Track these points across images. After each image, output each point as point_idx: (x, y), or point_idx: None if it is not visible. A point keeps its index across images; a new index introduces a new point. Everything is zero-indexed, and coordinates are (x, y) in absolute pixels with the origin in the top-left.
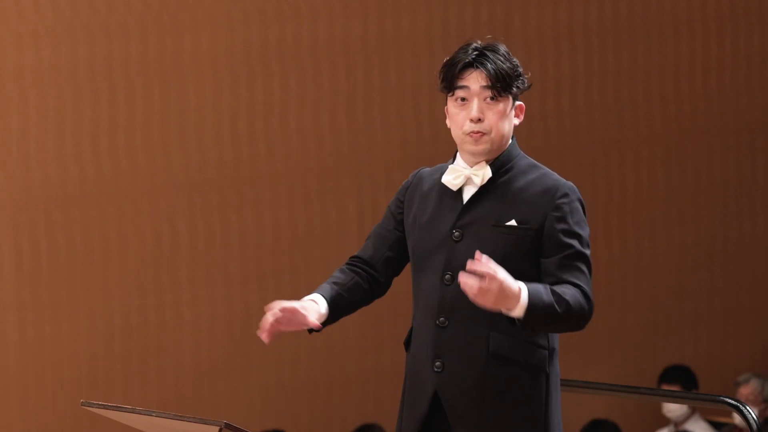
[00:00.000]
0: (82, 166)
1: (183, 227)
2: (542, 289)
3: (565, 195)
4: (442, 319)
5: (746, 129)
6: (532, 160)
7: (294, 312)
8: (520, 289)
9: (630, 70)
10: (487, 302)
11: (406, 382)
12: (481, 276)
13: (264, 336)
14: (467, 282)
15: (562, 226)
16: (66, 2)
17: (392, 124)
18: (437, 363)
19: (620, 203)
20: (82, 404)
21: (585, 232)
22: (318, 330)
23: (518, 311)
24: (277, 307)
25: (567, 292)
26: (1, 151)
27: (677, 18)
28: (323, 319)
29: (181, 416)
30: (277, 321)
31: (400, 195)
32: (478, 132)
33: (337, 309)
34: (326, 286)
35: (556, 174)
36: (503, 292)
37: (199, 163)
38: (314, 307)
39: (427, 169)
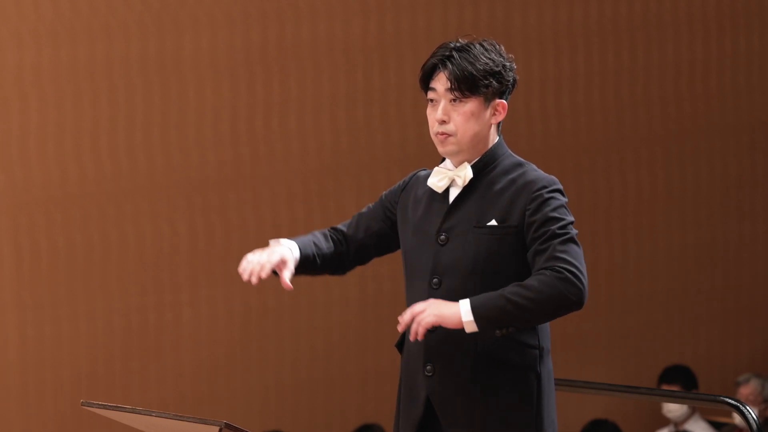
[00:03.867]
0: (82, 166)
1: (183, 227)
2: (491, 293)
3: (542, 188)
4: None
5: (746, 129)
6: (518, 158)
7: (284, 263)
8: (459, 302)
9: (630, 70)
10: (430, 319)
11: (401, 386)
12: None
13: (247, 274)
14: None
15: (536, 216)
16: (66, 2)
17: (392, 124)
18: (428, 367)
19: (620, 204)
20: (82, 404)
21: (563, 214)
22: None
23: (465, 315)
24: (276, 259)
25: (536, 278)
26: (1, 151)
27: (677, 18)
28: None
29: (181, 416)
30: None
31: (395, 194)
32: (443, 134)
33: (304, 268)
34: (307, 243)
35: (539, 170)
36: (432, 303)
37: (199, 163)
38: (290, 256)
39: (424, 171)
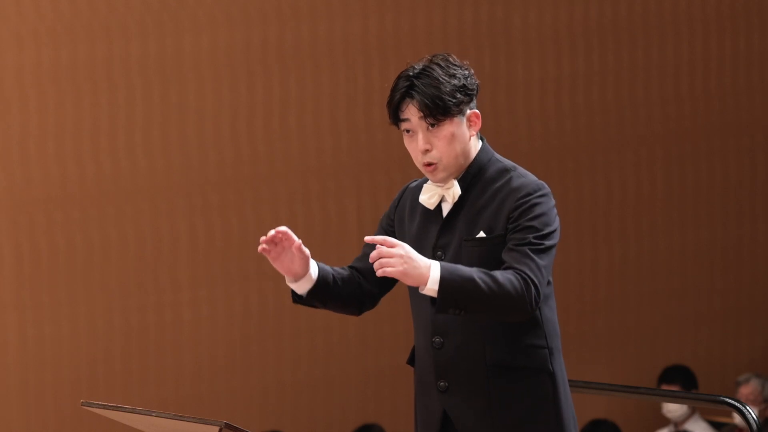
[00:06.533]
0: (82, 166)
1: (183, 227)
2: (463, 267)
3: (527, 194)
4: (437, 339)
5: (746, 129)
6: (504, 163)
7: (288, 238)
8: (431, 262)
9: (630, 70)
10: (395, 269)
11: (416, 401)
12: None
13: (261, 245)
14: (372, 255)
15: (518, 222)
16: (66, 2)
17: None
18: (441, 383)
19: (620, 204)
20: (82, 404)
21: (543, 223)
22: (300, 300)
23: (432, 284)
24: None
25: (501, 273)
26: (1, 151)
27: (677, 18)
28: (309, 285)
29: (181, 416)
30: (273, 241)
31: (390, 213)
32: (430, 164)
33: (325, 287)
34: (324, 265)
35: (527, 176)
36: (408, 256)
37: (199, 163)
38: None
39: (414, 183)
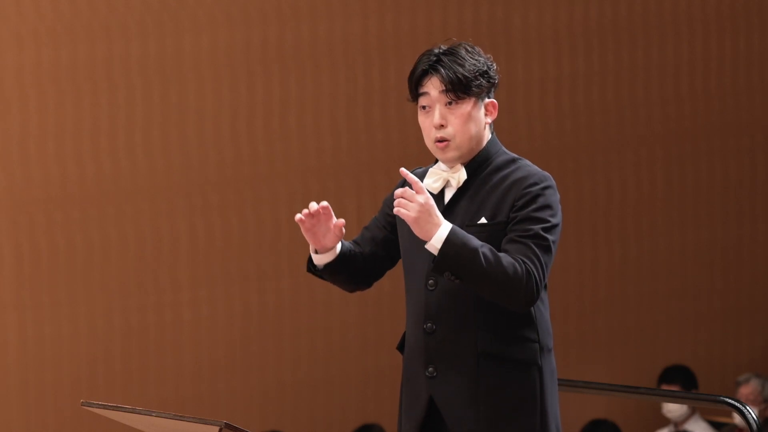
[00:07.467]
0: (82, 166)
1: (183, 227)
2: (473, 238)
3: (533, 184)
4: (429, 324)
5: (746, 129)
6: (512, 155)
7: (328, 213)
8: (445, 222)
9: (630, 70)
10: (408, 213)
11: (403, 387)
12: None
13: (300, 215)
14: (396, 192)
15: (522, 212)
16: (66, 2)
17: (392, 124)
18: (429, 368)
19: (620, 204)
20: (82, 404)
21: (548, 215)
22: (318, 271)
23: (436, 241)
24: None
25: (506, 257)
26: (1, 151)
27: (677, 18)
28: (330, 259)
29: (181, 416)
30: (312, 214)
31: (388, 199)
32: (443, 141)
33: (342, 262)
34: (344, 241)
35: (533, 166)
36: (427, 208)
37: (199, 163)
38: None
39: (419, 170)
